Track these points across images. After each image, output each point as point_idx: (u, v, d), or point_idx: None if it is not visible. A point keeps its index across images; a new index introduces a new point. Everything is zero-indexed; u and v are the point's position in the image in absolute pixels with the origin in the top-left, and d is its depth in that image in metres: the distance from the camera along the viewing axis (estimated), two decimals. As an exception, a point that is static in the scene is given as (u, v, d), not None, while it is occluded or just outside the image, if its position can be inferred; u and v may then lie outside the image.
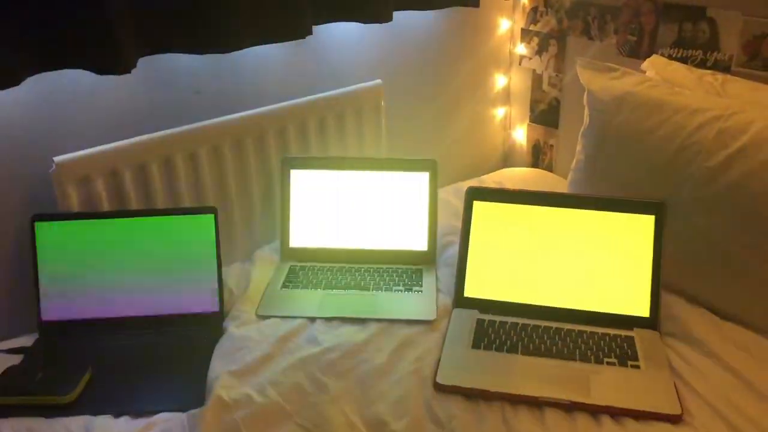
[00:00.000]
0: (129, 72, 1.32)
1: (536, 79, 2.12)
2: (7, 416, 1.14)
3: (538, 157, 2.20)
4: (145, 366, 1.29)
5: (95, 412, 1.16)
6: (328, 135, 1.72)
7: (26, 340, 1.36)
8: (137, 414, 1.16)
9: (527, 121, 2.19)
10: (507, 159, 2.30)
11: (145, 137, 1.46)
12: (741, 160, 1.32)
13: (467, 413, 1.15)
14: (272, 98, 1.64)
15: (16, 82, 1.22)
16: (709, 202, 1.36)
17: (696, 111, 1.42)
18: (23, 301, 1.39)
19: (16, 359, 1.30)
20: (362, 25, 1.69)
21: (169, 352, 1.32)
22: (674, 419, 1.13)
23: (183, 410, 1.16)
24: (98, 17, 1.25)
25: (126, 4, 1.28)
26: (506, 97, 2.22)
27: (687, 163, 1.39)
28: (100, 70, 1.30)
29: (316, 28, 1.58)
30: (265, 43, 1.47)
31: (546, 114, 2.12)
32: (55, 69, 1.30)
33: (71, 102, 1.41)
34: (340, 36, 1.72)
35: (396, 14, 1.75)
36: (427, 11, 1.86)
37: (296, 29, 1.49)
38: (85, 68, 1.31)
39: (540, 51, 2.08)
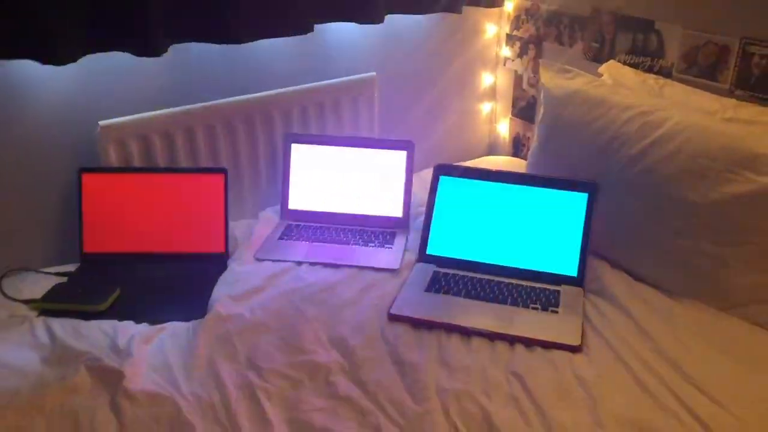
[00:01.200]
0: (160, 56, 1.63)
1: (517, 79, 2.40)
2: (56, 317, 1.48)
3: (518, 148, 2.48)
4: (163, 289, 1.61)
5: (121, 319, 1.47)
6: (326, 118, 2.03)
7: (70, 267, 1.69)
8: (153, 321, 1.47)
9: (509, 115, 2.47)
10: (491, 149, 2.58)
11: (171, 110, 1.77)
12: (655, 149, 1.59)
13: (411, 336, 1.44)
14: (279, 83, 1.93)
15: (73, 59, 1.55)
16: (629, 183, 1.63)
17: (627, 107, 1.69)
18: (70, 236, 1.72)
19: (62, 280, 1.63)
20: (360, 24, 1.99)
21: (182, 280, 1.64)
22: (573, 349, 1.40)
23: (189, 320, 1.48)
24: (140, 11, 1.57)
25: (161, 1, 1.60)
26: (492, 93, 2.50)
27: (615, 151, 1.66)
28: (139, 53, 1.61)
29: (318, 26, 1.89)
30: (271, 37, 1.78)
31: (525, 110, 2.40)
32: (104, 51, 1.61)
33: (114, 78, 1.71)
34: (340, 32, 2.01)
35: (394, 16, 2.05)
36: (422, 15, 2.15)
37: (299, 26, 1.80)
38: (127, 51, 1.62)
39: (521, 54, 2.36)
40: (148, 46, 1.61)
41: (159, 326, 1.46)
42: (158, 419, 1.22)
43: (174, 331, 1.44)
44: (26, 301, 1.53)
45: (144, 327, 1.46)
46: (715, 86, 1.79)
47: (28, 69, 1.57)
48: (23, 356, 1.37)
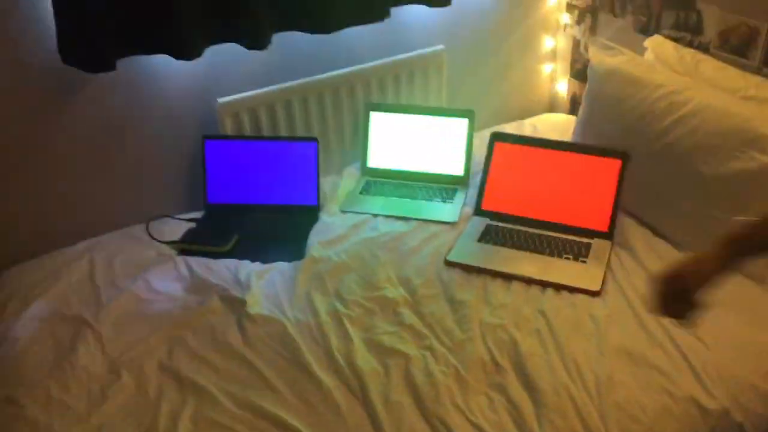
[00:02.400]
0: (266, 48, 2.01)
1: (576, 44, 2.64)
2: (189, 255, 1.93)
3: (575, 106, 2.74)
4: (270, 236, 2.04)
5: (240, 259, 1.92)
6: (401, 88, 2.36)
7: (197, 215, 2.15)
8: (264, 262, 1.90)
9: (568, 76, 2.72)
10: (551, 107, 2.84)
11: (274, 87, 2.15)
12: (679, 125, 1.85)
13: (462, 278, 1.81)
14: (360, 60, 2.27)
15: (199, 54, 1.94)
16: (656, 154, 1.91)
17: (659, 86, 1.94)
18: (196, 191, 2.17)
19: (191, 225, 2.09)
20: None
21: (284, 228, 2.06)
22: (593, 293, 1.74)
23: (291, 261, 1.91)
24: (250, 10, 1.93)
25: (268, 2, 1.96)
26: (553, 56, 2.75)
27: (646, 125, 1.93)
28: (250, 46, 1.99)
29: (393, 9, 2.20)
30: (355, 25, 2.11)
31: (581, 72, 2.64)
32: (221, 43, 1.99)
33: (229, 64, 2.09)
34: (412, 12, 2.31)
35: (462, -6, 2.33)
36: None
37: (378, 14, 2.11)
38: (239, 44, 2.00)
39: (579, 21, 2.58)
40: (257, 39, 1.98)
41: (269, 265, 1.89)
42: (271, 335, 1.66)
43: (280, 269, 1.88)
44: (168, 243, 1.99)
45: (258, 265, 1.89)
46: (746, 63, 2.00)
47: (163, 59, 1.98)
48: (171, 286, 1.84)
